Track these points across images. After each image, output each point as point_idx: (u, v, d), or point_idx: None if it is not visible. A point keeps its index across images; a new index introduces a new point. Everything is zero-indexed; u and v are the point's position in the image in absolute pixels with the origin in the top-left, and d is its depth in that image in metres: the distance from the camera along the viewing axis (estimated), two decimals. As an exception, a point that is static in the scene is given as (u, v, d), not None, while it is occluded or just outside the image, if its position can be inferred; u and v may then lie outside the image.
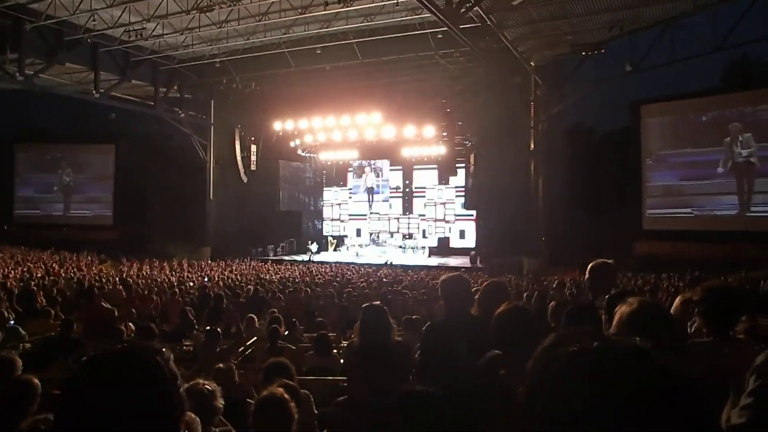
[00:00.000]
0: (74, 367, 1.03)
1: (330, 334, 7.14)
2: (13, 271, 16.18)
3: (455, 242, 31.98)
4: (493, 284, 3.82)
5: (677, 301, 3.31)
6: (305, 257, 30.01)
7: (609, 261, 3.75)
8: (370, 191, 35.40)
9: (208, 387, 3.05)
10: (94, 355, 1.04)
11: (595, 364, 0.75)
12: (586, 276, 3.77)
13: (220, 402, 3.06)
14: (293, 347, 6.58)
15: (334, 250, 32.68)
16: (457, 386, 2.54)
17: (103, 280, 14.05)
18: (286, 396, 2.74)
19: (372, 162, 34.90)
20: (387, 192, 34.92)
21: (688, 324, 3.32)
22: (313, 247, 31.64)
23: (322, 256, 30.21)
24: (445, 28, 18.19)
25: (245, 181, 31.58)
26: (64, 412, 0.99)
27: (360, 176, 35.71)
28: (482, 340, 2.91)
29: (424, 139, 27.31)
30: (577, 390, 0.74)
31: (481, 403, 2.34)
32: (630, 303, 2.08)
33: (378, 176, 35.22)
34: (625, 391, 0.71)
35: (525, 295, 9.70)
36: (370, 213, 35.17)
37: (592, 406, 0.71)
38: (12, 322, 7.63)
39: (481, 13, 18.07)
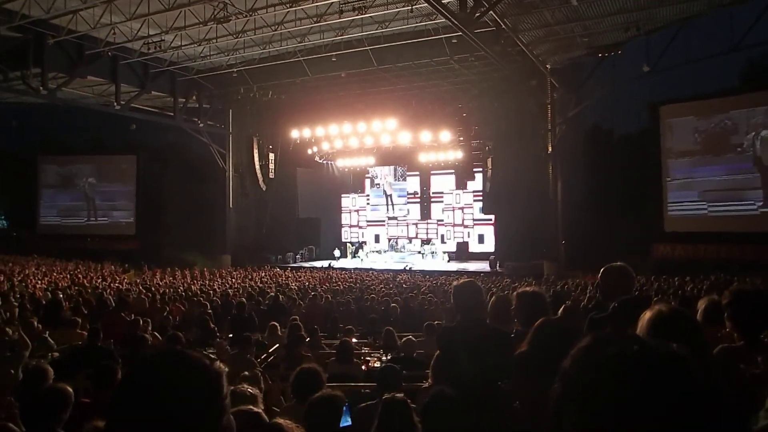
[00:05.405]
0: (132, 367, 1.11)
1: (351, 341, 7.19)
2: (39, 282, 16.46)
3: (474, 247, 31.86)
4: (529, 295, 3.63)
5: (702, 303, 3.23)
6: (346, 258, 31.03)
7: (624, 264, 3.55)
8: (388, 195, 35.48)
9: (250, 390, 3.19)
10: (151, 356, 1.13)
11: (635, 368, 0.76)
12: (599, 279, 3.61)
13: (261, 406, 3.14)
14: (314, 354, 6.65)
15: (353, 257, 32.77)
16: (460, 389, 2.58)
17: (127, 289, 14.23)
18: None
19: (386, 168, 35.00)
20: (404, 197, 35.01)
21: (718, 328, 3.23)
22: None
23: (341, 263, 30.30)
24: (460, 33, 18.20)
25: (264, 189, 31.83)
26: (117, 411, 1.05)
27: (377, 184, 35.89)
28: (487, 349, 2.94)
29: (440, 144, 27.27)
30: (615, 393, 0.74)
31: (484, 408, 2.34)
32: (654, 308, 2.04)
33: (396, 179, 35.30)
34: (661, 398, 0.72)
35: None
36: (388, 217, 35.23)
37: (628, 410, 0.72)
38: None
39: (496, 17, 18.03)
